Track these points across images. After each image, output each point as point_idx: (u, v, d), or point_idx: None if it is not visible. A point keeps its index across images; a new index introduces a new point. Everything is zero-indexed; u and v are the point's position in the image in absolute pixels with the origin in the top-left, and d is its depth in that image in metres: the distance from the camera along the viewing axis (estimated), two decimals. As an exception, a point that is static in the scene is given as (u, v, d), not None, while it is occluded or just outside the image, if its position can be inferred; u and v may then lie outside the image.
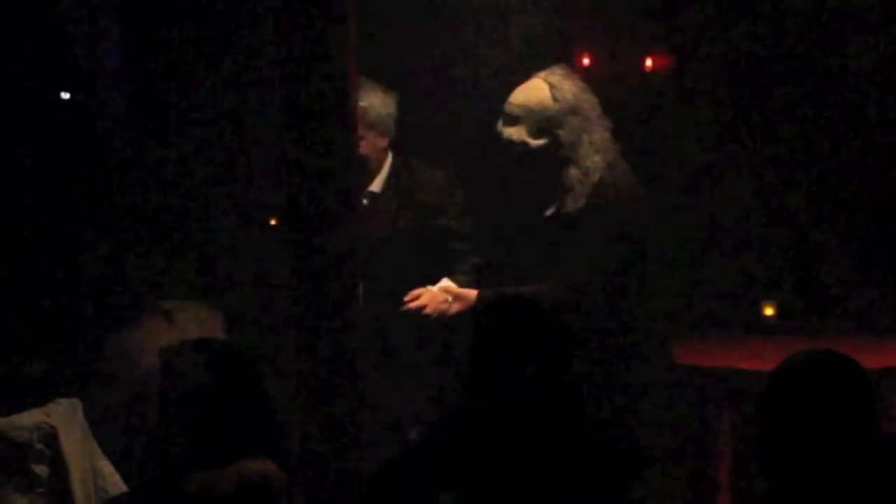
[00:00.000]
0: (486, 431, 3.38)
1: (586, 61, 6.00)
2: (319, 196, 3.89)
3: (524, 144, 4.51)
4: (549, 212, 4.56)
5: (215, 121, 5.72)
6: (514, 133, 4.53)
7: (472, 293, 4.61)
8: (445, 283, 4.68)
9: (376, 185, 4.99)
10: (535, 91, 4.55)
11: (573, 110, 4.49)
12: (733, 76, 6.06)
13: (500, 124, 4.57)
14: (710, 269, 6.03)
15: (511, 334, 3.43)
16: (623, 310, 4.47)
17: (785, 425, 2.94)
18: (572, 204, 4.48)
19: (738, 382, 4.97)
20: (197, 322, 4.55)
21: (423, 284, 4.66)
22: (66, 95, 6.02)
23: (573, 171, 4.48)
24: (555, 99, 4.50)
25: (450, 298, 4.62)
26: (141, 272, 5.28)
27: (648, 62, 6.12)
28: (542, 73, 4.58)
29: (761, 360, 5.02)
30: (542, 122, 4.50)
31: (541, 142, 4.50)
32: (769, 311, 5.70)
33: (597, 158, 4.49)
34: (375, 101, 4.90)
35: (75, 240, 5.59)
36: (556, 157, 4.50)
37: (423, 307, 4.61)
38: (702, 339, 5.57)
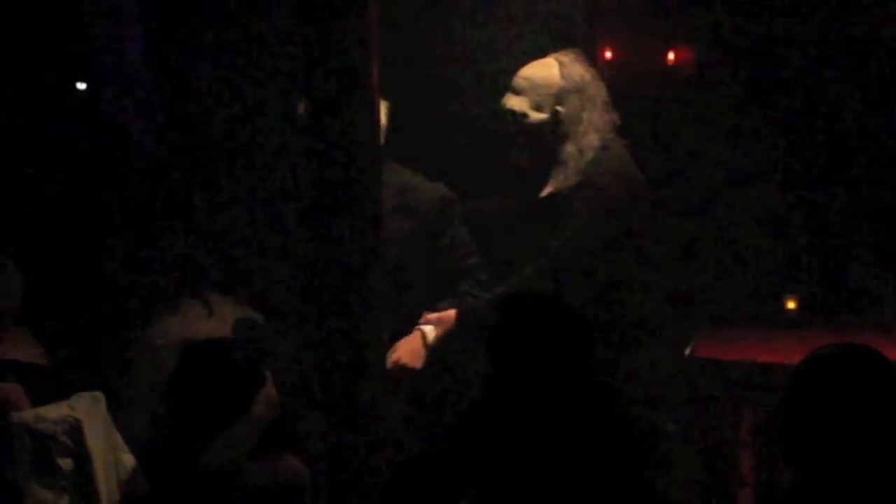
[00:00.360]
0: (508, 427, 3.38)
1: (608, 55, 5.99)
2: (342, 189, 3.89)
3: (524, 115, 4.52)
4: (546, 191, 4.56)
5: (238, 114, 5.71)
6: (516, 103, 4.55)
7: (451, 314, 4.59)
8: (425, 317, 4.65)
9: None
10: (544, 67, 4.59)
11: (577, 89, 4.52)
12: (756, 70, 6.04)
13: (505, 96, 4.60)
14: (732, 262, 6.01)
15: (531, 330, 3.43)
16: (612, 296, 4.46)
17: (813, 417, 2.94)
18: (564, 181, 4.49)
19: (760, 376, 4.95)
20: (234, 318, 4.54)
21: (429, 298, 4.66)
22: (81, 86, 6.03)
23: (570, 148, 4.50)
24: (562, 76, 4.54)
25: (419, 341, 4.59)
26: (174, 265, 5.25)
27: (671, 56, 6.11)
28: (556, 54, 4.63)
29: (783, 353, 5.01)
30: (545, 97, 4.52)
31: (541, 116, 4.53)
32: (791, 305, 5.69)
33: (593, 137, 4.51)
34: None
35: (100, 232, 5.59)
36: (554, 135, 4.52)
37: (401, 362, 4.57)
38: (723, 333, 5.56)
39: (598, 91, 4.59)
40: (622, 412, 3.55)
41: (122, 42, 6.19)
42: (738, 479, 5.03)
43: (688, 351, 5.14)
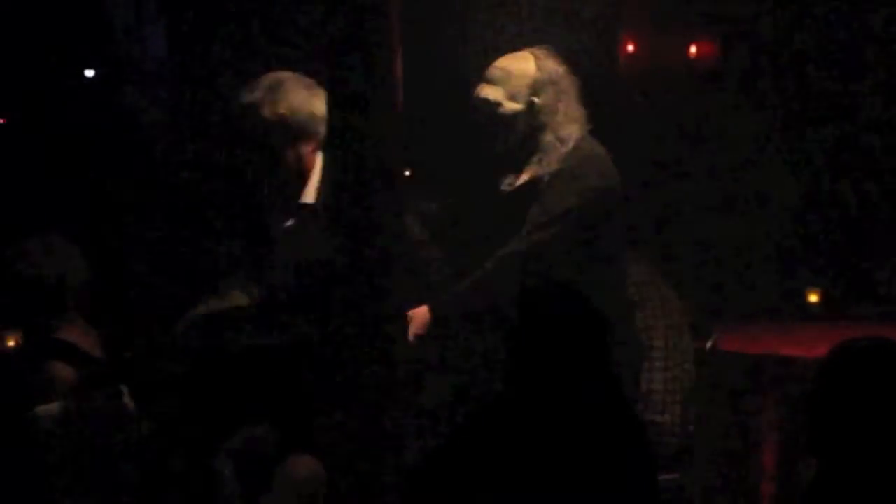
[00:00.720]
0: (526, 423, 3.37)
1: (631, 48, 6.00)
2: (363, 182, 3.89)
3: (498, 105, 4.48)
4: (522, 180, 4.54)
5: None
6: (491, 93, 4.51)
7: (423, 309, 4.47)
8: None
9: (309, 196, 4.40)
10: (519, 58, 4.56)
11: (552, 81, 4.49)
12: (780, 63, 6.04)
13: (477, 87, 4.55)
14: (754, 255, 6.02)
15: (549, 325, 3.42)
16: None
17: (839, 409, 2.95)
18: (545, 168, 4.46)
19: (782, 369, 4.96)
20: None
21: None
22: (89, 73, 6.04)
23: (549, 137, 4.47)
24: (538, 68, 4.51)
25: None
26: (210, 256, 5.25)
27: (693, 49, 6.12)
28: (529, 49, 4.59)
29: (805, 347, 5.01)
30: (520, 87, 4.49)
31: (516, 106, 4.49)
32: (813, 298, 5.69)
33: (573, 128, 4.49)
34: (296, 103, 4.36)
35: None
36: (530, 125, 4.49)
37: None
38: (746, 327, 5.56)
39: (572, 85, 4.55)
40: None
41: (144, 32, 6.21)
42: (760, 472, 5.03)
43: (709, 344, 5.15)
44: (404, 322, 4.30)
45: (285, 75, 4.38)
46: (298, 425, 3.65)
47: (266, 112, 4.30)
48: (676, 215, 5.88)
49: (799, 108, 6.05)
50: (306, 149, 4.37)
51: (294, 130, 4.33)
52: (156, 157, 5.93)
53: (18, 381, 4.01)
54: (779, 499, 4.98)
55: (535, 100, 4.48)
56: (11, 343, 4.71)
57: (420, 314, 4.47)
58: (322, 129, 4.30)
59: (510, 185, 4.57)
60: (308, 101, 4.35)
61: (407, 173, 4.49)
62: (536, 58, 4.54)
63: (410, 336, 4.39)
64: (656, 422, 4.91)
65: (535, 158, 4.49)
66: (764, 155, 6.06)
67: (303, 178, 4.39)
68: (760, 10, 5.99)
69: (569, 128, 4.48)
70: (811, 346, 4.97)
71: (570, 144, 4.46)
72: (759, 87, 6.04)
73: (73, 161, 6.10)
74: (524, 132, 4.50)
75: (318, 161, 4.40)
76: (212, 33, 5.81)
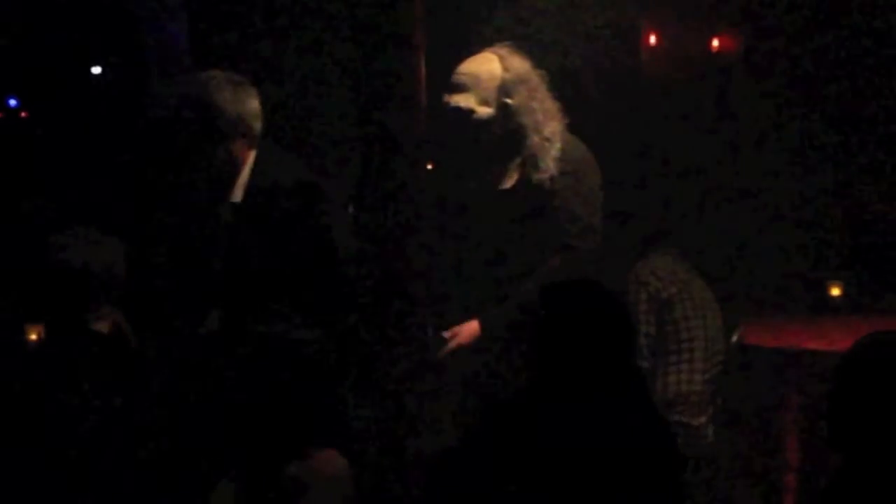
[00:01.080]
0: (549, 418, 3.35)
1: (653, 40, 6.00)
2: (388, 174, 3.90)
3: (471, 112, 4.37)
4: (509, 184, 4.45)
5: (284, 101, 5.73)
6: (462, 100, 4.39)
7: (473, 324, 4.40)
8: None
9: (237, 195, 4.29)
10: (483, 61, 4.45)
11: (522, 80, 4.40)
12: (805, 57, 6.03)
13: (446, 94, 4.43)
14: (777, 248, 6.01)
15: (575, 319, 3.38)
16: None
17: (862, 403, 2.94)
18: (543, 172, 4.37)
19: (804, 362, 4.95)
20: None
21: None
22: (96, 70, 6.04)
23: (534, 138, 4.39)
24: (504, 68, 4.40)
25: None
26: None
27: (715, 42, 6.11)
28: (490, 48, 4.49)
29: (828, 339, 5.01)
30: (489, 90, 4.39)
31: (489, 111, 4.39)
32: (836, 291, 5.68)
33: (554, 125, 4.41)
34: (222, 102, 4.22)
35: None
36: (506, 128, 4.40)
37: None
38: (768, 320, 5.56)
39: (541, 80, 4.46)
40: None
41: (168, 29, 6.22)
42: (783, 465, 5.03)
43: (734, 338, 5.14)
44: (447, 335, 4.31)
45: (213, 74, 4.27)
46: (322, 422, 3.65)
47: (192, 112, 4.22)
48: (698, 208, 5.86)
49: (822, 101, 6.03)
50: (235, 147, 4.24)
51: (221, 129, 4.20)
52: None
53: (54, 373, 3.99)
54: (803, 492, 4.97)
55: (509, 101, 4.38)
56: (34, 336, 4.71)
57: (469, 329, 4.39)
58: (255, 126, 4.24)
59: (500, 185, 4.45)
60: (235, 99, 4.23)
61: (429, 167, 4.50)
62: (501, 58, 4.43)
63: (453, 347, 4.36)
64: (692, 424, 4.92)
65: (520, 160, 4.41)
66: (787, 147, 6.05)
67: (234, 176, 4.25)
68: (783, 3, 5.98)
69: (550, 125, 4.41)
70: (834, 340, 4.97)
71: (559, 144, 4.39)
72: (780, 81, 6.02)
73: (94, 154, 6.12)
74: (501, 135, 4.41)
75: (250, 159, 4.27)
76: (234, 25, 5.81)
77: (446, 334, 4.36)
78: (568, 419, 3.31)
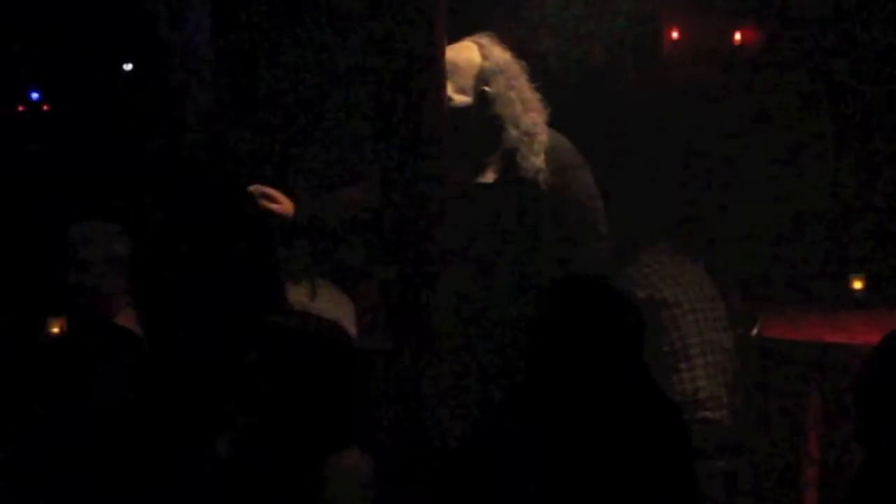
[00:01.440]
0: (554, 412, 3.31)
1: (675, 34, 5.99)
2: (409, 165, 3.89)
3: (448, 100, 4.14)
4: (489, 178, 4.36)
5: (306, 95, 5.74)
6: None
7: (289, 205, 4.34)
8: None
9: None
10: (462, 49, 4.39)
11: (501, 70, 4.33)
12: (823, 48, 6.03)
13: None
14: (798, 242, 6.01)
15: (578, 314, 3.31)
16: None
17: (889, 398, 2.94)
18: (526, 170, 4.29)
19: (826, 355, 4.95)
20: (332, 303, 4.51)
21: None
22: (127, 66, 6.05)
23: (513, 132, 4.30)
24: (483, 56, 4.35)
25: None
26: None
27: (737, 36, 6.10)
28: (470, 37, 4.43)
29: (850, 333, 5.01)
30: (467, 78, 4.33)
31: (465, 98, 4.32)
32: (858, 285, 5.68)
33: (533, 115, 4.33)
34: None
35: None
36: (484, 117, 4.33)
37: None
38: (790, 313, 5.55)
39: (522, 71, 4.38)
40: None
41: (188, 23, 6.23)
42: (805, 459, 5.03)
43: (755, 331, 5.15)
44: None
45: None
46: (347, 417, 3.64)
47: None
48: (720, 202, 5.86)
49: (846, 93, 6.02)
50: None
51: None
52: (202, 145, 5.95)
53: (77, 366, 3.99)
54: (825, 485, 4.97)
55: (486, 89, 4.31)
56: (56, 329, 4.70)
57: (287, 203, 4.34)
58: None
59: (477, 179, 4.35)
60: None
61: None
62: (480, 46, 4.38)
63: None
64: (709, 418, 4.92)
65: (499, 153, 4.33)
66: (810, 140, 6.04)
67: None
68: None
69: (529, 116, 4.33)
70: (856, 333, 4.97)
71: (543, 136, 4.31)
72: (803, 74, 6.02)
73: (116, 149, 6.14)
74: (478, 125, 4.34)
75: None
76: (256, 17, 5.81)
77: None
78: (573, 416, 3.27)
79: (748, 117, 5.99)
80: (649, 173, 5.75)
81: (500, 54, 4.36)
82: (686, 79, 6.03)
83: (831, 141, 6.09)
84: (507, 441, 3.31)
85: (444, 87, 3.90)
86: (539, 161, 4.28)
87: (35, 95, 7.11)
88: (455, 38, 4.30)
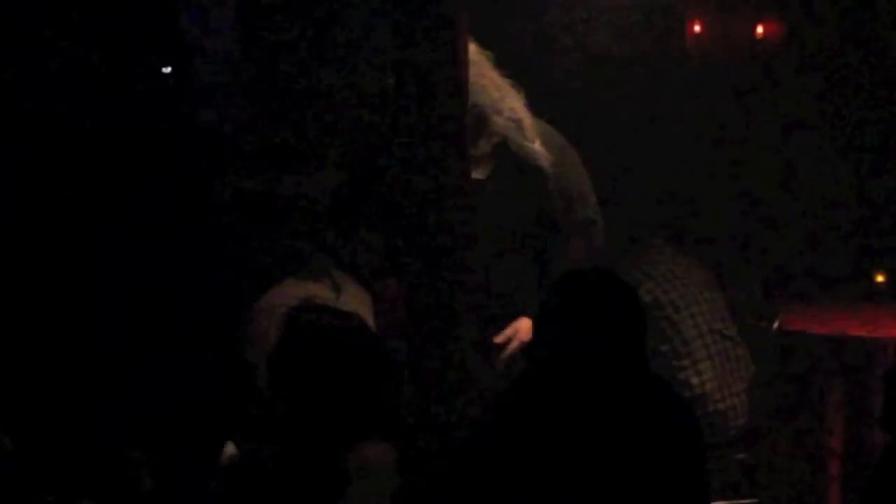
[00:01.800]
0: (554, 409, 3.30)
1: (697, 28, 5.99)
2: (431, 165, 3.89)
3: None
4: (482, 173, 4.25)
5: (330, 95, 5.74)
6: None
7: (525, 321, 4.22)
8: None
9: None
10: None
11: (472, 62, 4.12)
12: (846, 44, 6.02)
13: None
14: (820, 235, 6.01)
15: (583, 310, 3.29)
16: None
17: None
18: (530, 156, 4.20)
19: (849, 349, 4.95)
20: (356, 300, 4.51)
21: None
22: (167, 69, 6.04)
23: (497, 120, 4.23)
24: None
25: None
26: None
27: (760, 30, 6.10)
28: None
29: (873, 326, 5.01)
30: None
31: None
32: (880, 279, 5.68)
33: (511, 100, 4.25)
34: None
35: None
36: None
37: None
38: (812, 307, 5.55)
39: (487, 59, 4.29)
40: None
41: (211, 19, 6.22)
42: (828, 451, 5.03)
43: (776, 324, 5.15)
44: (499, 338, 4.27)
45: None
46: (369, 410, 3.64)
47: None
48: (742, 195, 5.87)
49: (865, 88, 6.02)
50: None
51: None
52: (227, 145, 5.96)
53: None
54: (847, 477, 4.98)
55: None
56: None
57: (525, 325, 4.23)
58: None
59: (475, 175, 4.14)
60: None
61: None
62: None
63: (516, 347, 4.22)
64: (720, 410, 4.92)
65: (487, 147, 4.24)
66: (831, 133, 6.04)
67: None
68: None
69: (508, 101, 4.26)
70: (879, 326, 4.97)
71: (528, 121, 4.23)
72: (824, 67, 6.01)
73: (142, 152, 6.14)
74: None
75: None
76: (281, 19, 5.82)
77: (501, 337, 4.23)
78: (579, 409, 3.26)
79: (770, 111, 5.98)
80: (667, 168, 5.75)
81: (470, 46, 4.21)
82: (709, 72, 6.04)
83: (854, 135, 6.08)
84: (512, 435, 3.29)
85: (466, 82, 3.91)
86: (539, 147, 4.23)
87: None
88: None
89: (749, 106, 5.98)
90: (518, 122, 4.25)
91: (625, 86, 5.81)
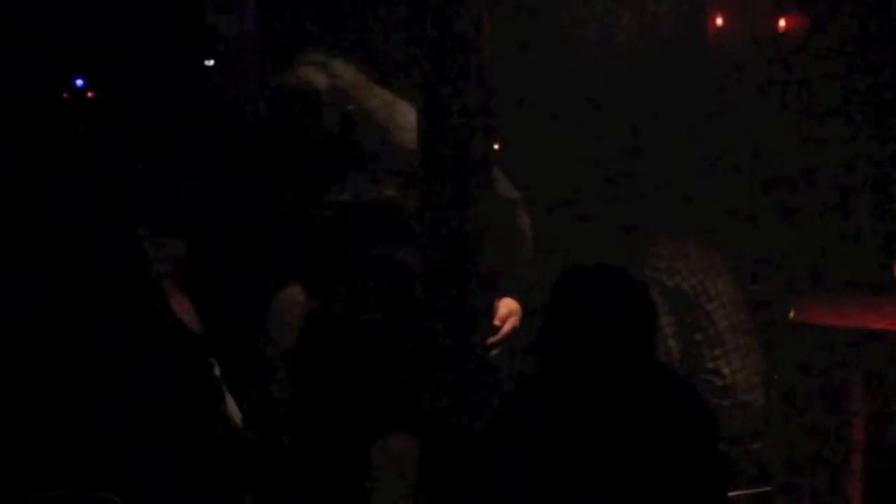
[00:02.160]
0: (565, 399, 3.32)
1: (719, 21, 5.98)
2: (455, 155, 3.90)
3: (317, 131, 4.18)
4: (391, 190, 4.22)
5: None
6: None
7: (512, 303, 4.21)
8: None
9: None
10: (304, 78, 4.20)
11: (354, 84, 4.21)
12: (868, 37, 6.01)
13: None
14: (839, 228, 6.00)
15: (592, 307, 3.29)
16: None
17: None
18: (399, 136, 4.13)
19: (870, 342, 4.95)
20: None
21: None
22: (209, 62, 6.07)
23: (404, 136, 4.13)
24: (329, 76, 4.19)
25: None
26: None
27: (782, 23, 6.09)
28: (304, 62, 4.27)
29: (893, 319, 5.00)
30: (324, 106, 4.15)
31: (331, 129, 4.15)
32: (901, 272, 5.67)
33: (383, 93, 4.21)
34: None
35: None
36: (360, 137, 4.17)
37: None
38: (832, 300, 5.55)
39: (367, 80, 4.26)
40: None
41: (234, 14, 6.24)
42: (850, 445, 5.03)
43: (791, 315, 5.15)
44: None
45: None
46: (393, 403, 3.65)
47: None
48: (761, 187, 5.87)
49: (888, 82, 6.01)
50: None
51: None
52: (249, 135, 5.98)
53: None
54: (869, 472, 4.98)
55: (349, 108, 4.15)
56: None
57: (513, 307, 4.22)
58: None
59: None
60: None
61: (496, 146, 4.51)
62: (322, 67, 4.20)
63: (508, 331, 4.21)
64: (748, 401, 4.94)
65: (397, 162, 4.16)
66: (851, 128, 6.03)
67: None
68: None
69: (374, 91, 4.24)
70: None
71: (410, 116, 4.11)
72: (847, 61, 6.00)
73: (162, 139, 6.16)
74: (358, 147, 4.18)
75: None
76: (303, 8, 5.83)
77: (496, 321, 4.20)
78: (590, 402, 3.26)
79: (793, 104, 5.98)
80: (688, 161, 5.74)
81: (343, 68, 4.22)
82: (731, 65, 6.03)
83: (875, 127, 6.07)
84: (522, 431, 3.31)
85: (486, 77, 3.92)
86: (405, 132, 4.11)
87: (79, 83, 7.14)
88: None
89: (770, 99, 5.97)
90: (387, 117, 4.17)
91: (645, 79, 5.81)
